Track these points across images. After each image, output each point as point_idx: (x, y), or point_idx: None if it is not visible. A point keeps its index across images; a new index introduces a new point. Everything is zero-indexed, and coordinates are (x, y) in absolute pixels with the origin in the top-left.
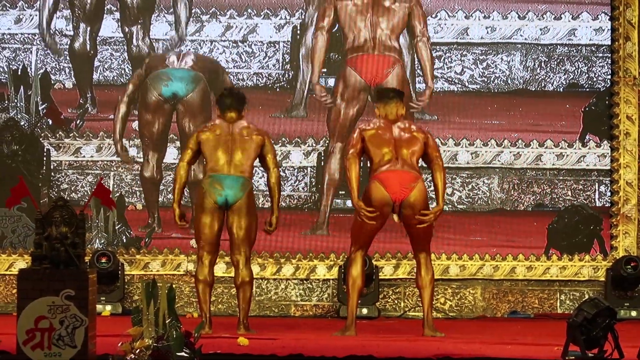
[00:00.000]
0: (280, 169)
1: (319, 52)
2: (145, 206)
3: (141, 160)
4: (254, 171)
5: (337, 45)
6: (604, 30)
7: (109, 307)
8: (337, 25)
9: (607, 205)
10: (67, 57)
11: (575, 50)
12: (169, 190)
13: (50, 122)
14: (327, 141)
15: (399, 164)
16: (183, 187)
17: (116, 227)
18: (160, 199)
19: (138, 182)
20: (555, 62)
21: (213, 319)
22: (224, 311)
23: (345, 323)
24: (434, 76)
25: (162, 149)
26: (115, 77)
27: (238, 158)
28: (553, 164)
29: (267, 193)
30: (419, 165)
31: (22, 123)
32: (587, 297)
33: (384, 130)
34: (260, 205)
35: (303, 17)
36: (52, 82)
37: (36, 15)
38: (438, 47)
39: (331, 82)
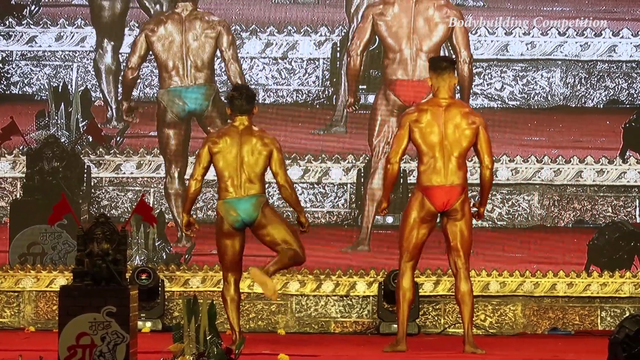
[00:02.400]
0: (290, 181)
1: (352, 73)
2: (174, 220)
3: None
4: (266, 181)
5: (377, 62)
6: None
7: (149, 324)
8: (376, 40)
9: None
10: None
11: (615, 67)
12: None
13: (91, 138)
14: (367, 157)
15: (443, 175)
16: (194, 201)
17: (156, 244)
18: (199, 216)
19: None
20: (596, 79)
21: (253, 335)
22: (264, 328)
23: (395, 337)
24: (469, 96)
25: (184, 162)
26: (155, 94)
27: (248, 177)
28: (593, 181)
29: (305, 210)
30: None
31: (62, 140)
32: (628, 313)
33: (432, 123)
34: None
35: (343, 34)
36: (93, 99)
37: (77, 33)
38: (478, 63)
39: (370, 98)
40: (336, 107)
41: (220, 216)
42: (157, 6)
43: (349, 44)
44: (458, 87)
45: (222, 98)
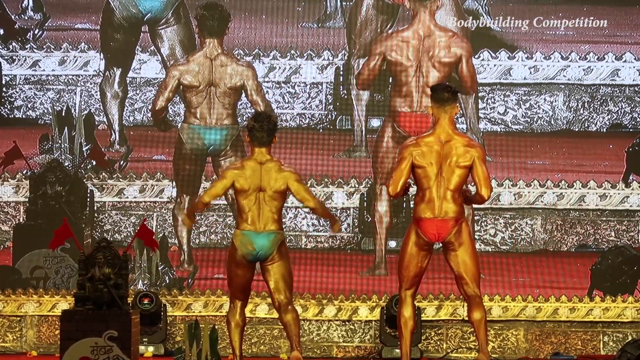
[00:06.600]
0: (317, 201)
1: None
2: (178, 244)
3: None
4: (283, 216)
5: (382, 86)
6: None
7: (151, 349)
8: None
9: None
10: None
11: (618, 91)
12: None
13: (94, 163)
14: (370, 182)
15: (437, 207)
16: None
17: (159, 268)
18: (202, 240)
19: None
20: (599, 103)
21: None
22: (267, 352)
23: None
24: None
25: (195, 190)
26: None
27: (268, 211)
28: (596, 205)
29: (308, 234)
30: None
31: (66, 164)
32: (630, 338)
33: (430, 157)
34: (303, 246)
35: (346, 58)
36: (96, 123)
37: (80, 57)
38: (481, 87)
39: (374, 122)
40: (342, 130)
41: (234, 246)
42: (169, 51)
43: (357, 73)
44: (461, 112)
45: (243, 137)
